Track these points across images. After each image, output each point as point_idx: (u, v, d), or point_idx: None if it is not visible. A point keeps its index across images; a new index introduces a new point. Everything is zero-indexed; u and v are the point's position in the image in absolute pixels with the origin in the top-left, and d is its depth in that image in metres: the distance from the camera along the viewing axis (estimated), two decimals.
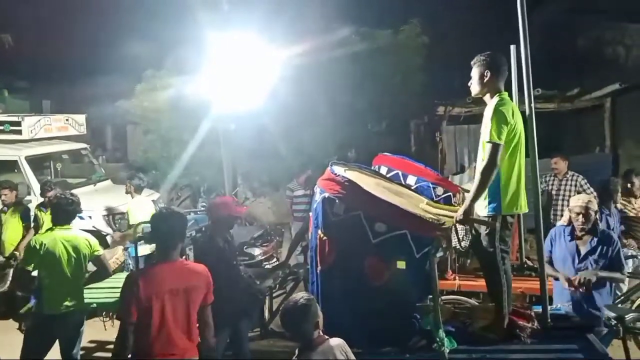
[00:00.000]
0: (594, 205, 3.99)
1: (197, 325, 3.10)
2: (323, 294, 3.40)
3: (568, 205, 4.32)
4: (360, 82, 8.97)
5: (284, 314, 2.75)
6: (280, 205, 10.62)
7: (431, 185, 4.14)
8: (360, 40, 9.15)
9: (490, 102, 3.36)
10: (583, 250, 3.94)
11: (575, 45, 9.98)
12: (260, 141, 9.22)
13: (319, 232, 3.41)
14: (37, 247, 3.98)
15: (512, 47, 3.79)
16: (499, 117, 3.22)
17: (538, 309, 3.60)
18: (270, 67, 6.74)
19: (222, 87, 6.44)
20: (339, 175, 3.37)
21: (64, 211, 4.16)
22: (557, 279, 4.00)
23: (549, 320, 3.49)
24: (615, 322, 3.54)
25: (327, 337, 2.76)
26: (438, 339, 3.14)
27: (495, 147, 3.19)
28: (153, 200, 7.97)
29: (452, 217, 3.31)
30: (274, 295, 4.91)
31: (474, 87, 3.44)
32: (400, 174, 4.25)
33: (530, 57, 3.46)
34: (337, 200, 3.27)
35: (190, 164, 9.15)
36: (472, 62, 3.45)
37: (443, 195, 4.10)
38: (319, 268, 3.44)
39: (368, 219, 3.17)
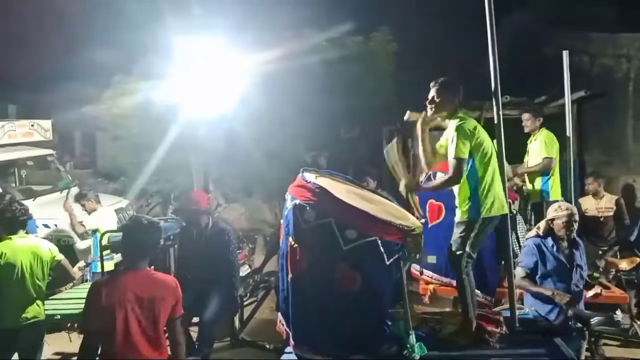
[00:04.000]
0: (576, 213, 4.01)
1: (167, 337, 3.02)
2: (294, 302, 3.37)
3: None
4: (332, 88, 8.99)
5: None
6: (253, 212, 10.53)
7: None
8: (331, 46, 9.18)
9: (450, 124, 3.54)
10: (573, 261, 3.94)
11: (542, 54, 10.23)
12: (232, 147, 9.13)
13: (290, 239, 3.37)
14: None
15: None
16: (460, 134, 3.42)
17: (507, 314, 3.64)
18: (240, 73, 6.69)
19: (192, 92, 6.35)
20: (310, 181, 3.35)
21: (10, 220, 4.00)
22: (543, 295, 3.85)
23: (517, 325, 3.54)
24: (581, 326, 3.60)
25: None
26: (408, 345, 3.14)
27: (459, 162, 3.40)
28: (122, 208, 7.82)
29: (420, 224, 3.34)
30: (245, 303, 4.86)
31: (429, 109, 3.64)
32: None
33: (499, 65, 3.54)
34: (308, 207, 3.25)
35: (160, 170, 8.99)
36: (430, 85, 3.61)
37: None
38: (289, 275, 3.40)
39: (339, 225, 3.15)
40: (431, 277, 4.62)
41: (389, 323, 3.39)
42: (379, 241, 3.14)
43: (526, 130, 5.77)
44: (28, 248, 3.94)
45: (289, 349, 3.39)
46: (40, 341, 4.06)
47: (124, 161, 9.81)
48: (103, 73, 9.91)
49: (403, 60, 9.74)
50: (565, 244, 3.97)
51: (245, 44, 7.43)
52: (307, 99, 8.82)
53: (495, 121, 3.59)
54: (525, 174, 5.66)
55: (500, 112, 3.60)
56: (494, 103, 3.60)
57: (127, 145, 9.68)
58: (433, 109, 3.60)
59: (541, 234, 4.02)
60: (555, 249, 3.93)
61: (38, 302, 3.99)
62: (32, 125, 8.56)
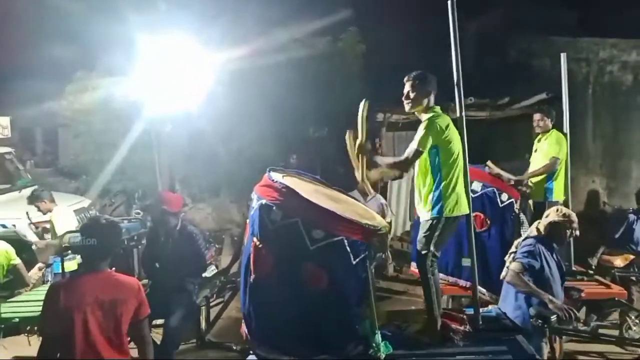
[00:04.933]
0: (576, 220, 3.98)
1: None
2: (257, 302, 3.34)
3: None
4: (300, 87, 8.98)
5: None
6: (221, 211, 10.43)
7: (496, 192, 4.19)
8: (300, 46, 9.17)
9: (423, 118, 3.56)
10: (562, 265, 3.97)
11: (505, 56, 10.47)
12: (198, 145, 9.01)
13: (255, 239, 3.34)
14: None
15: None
16: (428, 128, 3.46)
17: (470, 311, 3.70)
18: (206, 70, 6.60)
19: (157, 89, 6.23)
20: (276, 181, 3.32)
21: None
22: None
23: (481, 322, 3.60)
24: (541, 322, 3.69)
25: None
26: (374, 344, 3.15)
27: (415, 153, 3.46)
28: (83, 207, 7.61)
29: (387, 224, 3.36)
30: (212, 304, 4.80)
31: (405, 104, 3.65)
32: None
33: (461, 67, 3.60)
34: (274, 207, 3.22)
35: (124, 168, 8.81)
36: (404, 80, 3.60)
37: (507, 202, 4.15)
38: (252, 276, 3.37)
39: (305, 225, 3.14)
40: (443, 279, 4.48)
41: (356, 323, 3.39)
42: (346, 241, 3.14)
43: (537, 130, 5.75)
44: None
45: (251, 357, 3.36)
46: None
47: (86, 159, 9.57)
48: (64, 69, 9.63)
49: (371, 61, 9.81)
50: (557, 248, 3.98)
51: (212, 41, 7.34)
52: (275, 98, 8.79)
53: (459, 122, 3.64)
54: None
55: (464, 113, 3.66)
56: (456, 104, 3.65)
57: (90, 143, 9.45)
58: (409, 104, 3.61)
59: (542, 236, 3.94)
60: (550, 252, 3.92)
61: None
62: None
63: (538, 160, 5.62)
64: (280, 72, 8.74)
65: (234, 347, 4.73)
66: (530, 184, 5.51)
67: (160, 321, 4.29)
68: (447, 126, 3.48)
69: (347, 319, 3.32)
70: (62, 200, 6.68)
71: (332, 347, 3.31)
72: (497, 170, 5.07)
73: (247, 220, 3.58)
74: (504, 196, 4.34)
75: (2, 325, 4.18)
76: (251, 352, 3.40)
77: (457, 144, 3.54)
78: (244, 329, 3.45)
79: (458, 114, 3.65)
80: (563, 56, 5.38)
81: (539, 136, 5.78)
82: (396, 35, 10.74)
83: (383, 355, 3.13)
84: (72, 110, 9.30)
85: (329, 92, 9.30)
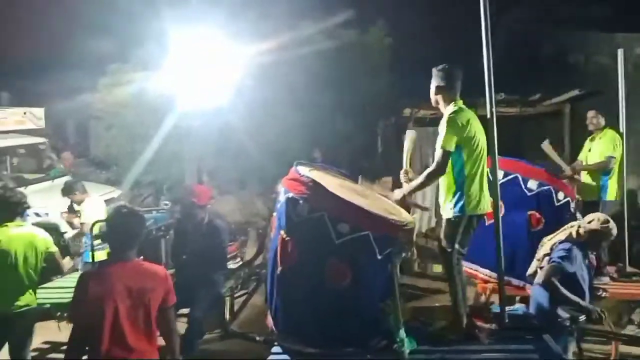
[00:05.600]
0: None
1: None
2: (282, 294, 3.37)
3: None
4: (327, 81, 8.98)
5: None
6: (247, 204, 10.51)
7: (553, 190, 4.15)
8: (326, 38, 9.16)
9: (446, 111, 3.50)
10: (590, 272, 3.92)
11: (538, 52, 10.25)
12: (226, 139, 9.10)
13: (282, 232, 3.37)
14: None
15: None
16: (450, 126, 3.39)
17: (497, 309, 3.66)
18: (235, 64, 6.67)
19: (187, 83, 6.33)
20: (303, 175, 3.34)
21: (6, 208, 3.99)
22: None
23: (507, 320, 3.56)
24: (569, 323, 3.63)
25: None
26: (398, 340, 3.15)
27: (444, 153, 3.38)
28: (113, 198, 7.79)
29: (413, 220, 3.35)
30: (236, 296, 4.87)
31: (432, 98, 3.62)
32: (519, 177, 4.32)
33: (492, 62, 3.53)
34: (300, 201, 3.24)
35: (154, 160, 8.96)
36: (433, 72, 3.58)
37: (563, 201, 4.11)
38: (279, 268, 3.40)
39: (331, 219, 3.15)
40: (489, 276, 4.45)
41: (380, 317, 3.40)
42: (371, 236, 3.14)
43: (590, 128, 5.63)
44: (23, 237, 3.93)
45: (275, 348, 3.39)
46: (31, 329, 4.06)
47: (117, 150, 9.77)
48: (99, 61, 9.84)
49: (398, 54, 9.74)
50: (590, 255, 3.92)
51: (241, 35, 7.40)
52: (302, 92, 8.81)
53: (489, 118, 3.58)
54: (584, 172, 5.53)
55: (494, 109, 3.60)
56: (487, 100, 3.59)
57: (121, 135, 9.64)
58: (438, 97, 3.57)
59: (581, 240, 3.85)
60: (584, 256, 3.87)
61: (30, 290, 3.98)
62: (25, 113, 8.51)
63: (593, 159, 5.49)
64: (307, 65, 8.76)
65: (258, 338, 4.78)
66: (586, 183, 5.39)
67: (185, 310, 4.37)
68: (468, 122, 3.42)
69: (371, 313, 3.34)
70: (93, 191, 6.84)
71: (356, 341, 3.33)
72: (553, 153, 4.93)
73: (274, 214, 3.62)
74: (560, 195, 4.25)
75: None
76: (275, 343, 3.44)
77: (480, 140, 3.47)
78: (269, 320, 3.49)
79: (488, 110, 3.58)
80: (620, 52, 5.20)
81: (593, 135, 5.64)
82: (424, 28, 10.64)
83: (407, 351, 3.13)
84: (105, 102, 9.50)
85: (356, 85, 9.28)
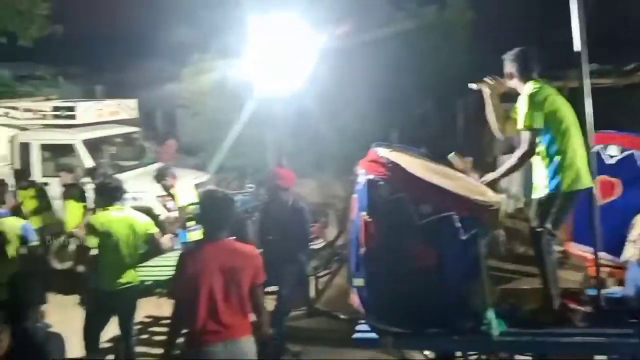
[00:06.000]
0: None
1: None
2: (367, 275, 3.42)
3: None
4: (404, 61, 8.82)
5: None
6: (325, 186, 10.66)
7: (636, 155, 4.02)
8: (404, 18, 8.97)
9: (523, 91, 3.37)
10: None
11: (632, 19, 9.44)
12: (304, 123, 9.24)
13: (363, 213, 3.41)
14: (96, 226, 4.19)
15: None
16: (530, 103, 3.27)
17: (593, 292, 3.50)
18: (312, 48, 6.71)
19: (266, 69, 6.46)
20: (382, 156, 3.35)
21: (107, 193, 4.35)
22: None
23: (603, 303, 3.39)
24: None
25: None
26: (486, 321, 3.11)
27: (531, 133, 3.26)
28: (202, 182, 8.20)
29: (499, 200, 3.26)
30: (320, 275, 4.99)
31: (508, 84, 3.50)
32: (635, 154, 4.14)
33: (585, 31, 3.33)
34: (381, 182, 3.26)
35: (236, 145, 9.31)
36: (504, 57, 3.47)
37: None
38: (362, 249, 3.45)
39: (413, 200, 3.14)
40: (605, 260, 4.08)
41: (466, 299, 3.36)
42: (455, 216, 3.10)
43: None
44: (125, 220, 4.27)
45: (361, 327, 3.45)
46: (135, 304, 4.42)
47: (203, 137, 10.25)
48: (182, 51, 10.32)
49: (480, 29, 9.35)
50: None
51: (318, 19, 7.42)
52: (378, 73, 8.74)
53: (584, 90, 3.39)
54: None
55: (588, 81, 3.40)
56: (582, 70, 3.39)
57: (206, 122, 10.11)
58: (512, 82, 3.47)
59: None
60: None
61: (132, 269, 4.33)
62: (119, 104, 9.09)
63: None
64: (384, 46, 8.65)
65: (342, 316, 4.89)
66: None
67: (272, 288, 4.55)
68: (547, 97, 3.29)
69: (457, 294, 3.30)
70: (183, 176, 7.25)
71: (442, 322, 3.31)
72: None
73: (353, 195, 3.67)
74: None
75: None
76: (360, 321, 3.51)
77: (565, 114, 3.31)
78: (354, 299, 3.56)
79: (584, 82, 3.39)
80: None
81: None
82: (506, 1, 10.11)
83: (497, 332, 3.07)
84: (189, 91, 9.98)
85: (434, 64, 9.06)
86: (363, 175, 3.41)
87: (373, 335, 3.37)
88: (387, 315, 3.36)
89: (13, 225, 4.09)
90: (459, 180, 3.58)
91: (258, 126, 8.50)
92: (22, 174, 7.36)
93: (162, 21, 12.28)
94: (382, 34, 8.50)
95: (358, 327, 3.46)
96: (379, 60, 8.68)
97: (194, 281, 3.00)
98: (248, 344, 3.10)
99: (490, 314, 3.10)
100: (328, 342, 4.84)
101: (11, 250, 4.02)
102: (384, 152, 3.44)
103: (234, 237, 3.30)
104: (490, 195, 3.36)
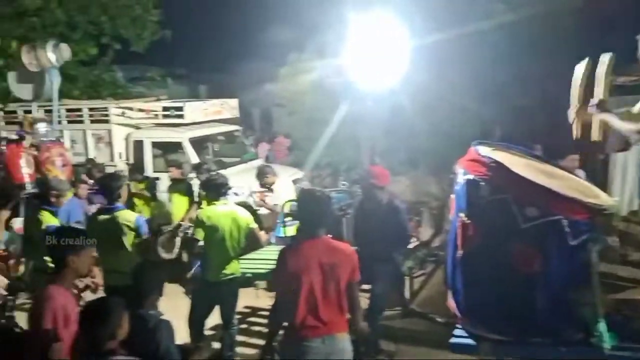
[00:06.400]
0: None
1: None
2: (464, 279, 3.32)
3: None
4: (505, 53, 8.43)
5: (84, 310, 2.63)
6: (419, 184, 10.48)
7: None
8: (506, 8, 8.56)
9: None
10: None
11: None
12: (397, 120, 9.15)
13: (462, 215, 3.32)
14: (203, 220, 4.45)
15: None
16: None
17: None
18: (409, 44, 6.60)
19: (362, 67, 6.47)
20: (484, 156, 3.22)
21: (214, 189, 4.58)
22: None
23: None
24: None
25: (122, 354, 2.53)
26: (597, 333, 2.90)
27: None
28: (298, 179, 8.43)
29: (613, 202, 3.02)
30: (415, 275, 4.93)
31: None
32: None
33: None
34: (482, 183, 3.14)
35: (330, 143, 9.44)
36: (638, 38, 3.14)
37: None
38: (459, 252, 3.36)
39: (517, 202, 3.00)
40: None
41: (574, 308, 3.16)
42: (564, 220, 2.92)
43: None
44: (228, 214, 4.50)
45: (458, 331, 3.37)
46: (236, 295, 4.63)
47: (298, 135, 10.51)
48: (280, 52, 10.65)
49: (589, 15, 8.69)
50: None
51: (415, 12, 7.30)
52: (477, 67, 8.43)
53: None
54: None
55: None
56: None
57: (302, 120, 10.35)
58: None
59: None
60: None
61: (235, 261, 4.55)
62: (222, 104, 9.60)
63: None
64: (483, 38, 8.33)
65: (438, 319, 4.80)
66: None
67: (366, 287, 4.56)
68: None
69: (563, 303, 3.11)
70: (281, 172, 7.50)
71: (547, 331, 3.15)
72: None
73: (452, 195, 3.57)
74: None
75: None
76: (458, 325, 3.42)
77: None
78: (450, 302, 3.48)
79: None
80: None
81: None
82: None
83: (608, 346, 2.86)
84: (287, 90, 10.27)
85: (537, 56, 8.55)
86: (462, 174, 3.31)
87: (470, 341, 3.27)
88: (485, 321, 3.24)
89: (129, 218, 4.41)
90: (568, 180, 3.36)
91: (352, 124, 8.55)
92: (136, 169, 8.02)
93: (261, 22, 12.74)
94: (482, 26, 8.17)
95: (455, 332, 3.38)
96: (478, 53, 8.38)
97: (294, 277, 3.09)
98: (345, 341, 3.15)
99: (602, 326, 2.88)
100: (423, 344, 4.78)
101: (127, 241, 4.32)
102: (485, 151, 3.32)
103: (330, 235, 3.36)
104: (604, 198, 3.12)
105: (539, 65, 8.60)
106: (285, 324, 3.20)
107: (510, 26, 8.46)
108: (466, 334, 3.31)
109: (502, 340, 3.17)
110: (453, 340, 3.32)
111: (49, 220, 4.58)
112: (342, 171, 9.14)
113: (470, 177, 3.21)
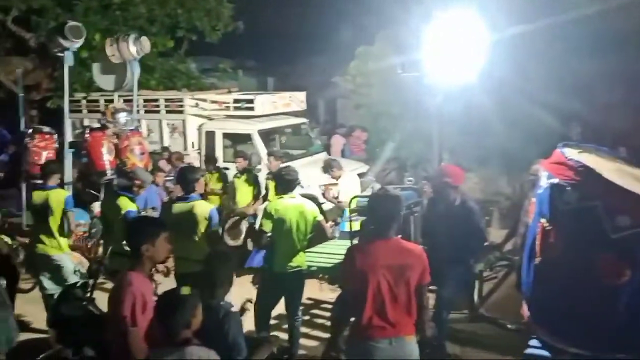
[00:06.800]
0: None
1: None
2: (541, 286, 3.17)
3: None
4: (588, 47, 7.94)
5: (161, 299, 2.69)
6: (488, 182, 10.14)
7: None
8: (589, 2, 8.04)
9: None
10: None
11: None
12: (470, 116, 8.85)
13: (543, 220, 3.15)
14: (272, 212, 4.50)
15: None
16: None
17: None
18: (486, 39, 6.33)
19: (438, 61, 6.28)
20: (571, 159, 3.04)
21: (285, 182, 4.63)
22: None
23: None
24: None
25: (196, 343, 2.60)
26: None
27: None
28: (363, 172, 8.37)
29: None
30: (485, 279, 4.77)
31: None
32: None
33: None
34: (568, 188, 2.97)
35: (398, 137, 9.29)
36: None
37: None
38: (537, 258, 3.20)
39: (608, 211, 2.81)
40: None
41: None
42: None
43: None
44: (296, 207, 4.54)
45: (533, 341, 3.22)
46: (302, 287, 4.67)
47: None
48: (349, 44, 10.57)
49: None
50: None
51: (495, 5, 6.99)
52: (559, 62, 8.00)
53: None
54: None
55: None
56: None
57: (368, 114, 10.25)
58: None
59: None
60: None
61: (301, 253, 4.58)
62: (290, 97, 9.68)
63: None
64: (566, 31, 7.87)
65: (509, 326, 4.63)
66: None
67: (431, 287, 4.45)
68: None
69: None
70: (347, 166, 7.47)
71: (630, 347, 2.96)
72: None
73: (529, 197, 3.41)
74: None
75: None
76: (533, 335, 3.27)
77: None
78: (524, 310, 3.33)
79: None
80: None
81: None
82: None
83: None
84: (354, 83, 10.19)
85: (624, 51, 7.98)
86: (546, 178, 3.15)
87: (546, 353, 3.13)
88: (563, 333, 3.09)
89: (204, 208, 4.52)
90: None
91: (421, 119, 8.36)
92: (209, 160, 8.24)
93: (331, 16, 12.71)
94: (565, 18, 7.73)
95: (531, 342, 3.23)
96: (560, 47, 7.95)
97: (361, 276, 3.07)
98: (412, 344, 3.11)
99: None
100: (489, 349, 4.63)
101: (199, 231, 4.44)
102: (572, 154, 3.13)
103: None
104: None
105: (625, 60, 8.05)
106: (352, 321, 3.18)
107: (595, 18, 7.95)
108: (541, 345, 3.17)
109: (580, 354, 3.00)
110: (528, 350, 3.20)
111: (127, 205, 4.78)
112: (408, 166, 8.97)
113: (555, 181, 3.05)
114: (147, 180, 5.04)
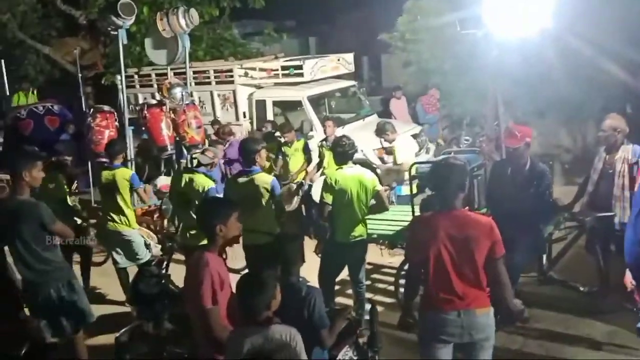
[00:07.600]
0: None
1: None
2: None
3: None
4: None
5: (241, 281, 2.71)
6: (546, 135, 9.74)
7: None
8: None
9: None
10: None
11: None
12: (527, 67, 8.41)
13: None
14: (332, 183, 4.50)
15: None
16: None
17: None
18: None
19: (494, 16, 5.94)
20: None
21: (341, 153, 4.59)
22: None
23: None
24: None
25: (278, 321, 2.65)
26: None
27: None
28: (416, 133, 8.21)
29: None
30: (554, 240, 4.63)
31: None
32: None
33: None
34: None
35: (450, 95, 9.01)
36: None
37: None
38: None
39: None
40: None
41: None
42: None
43: None
44: (355, 177, 4.51)
45: None
46: (364, 256, 4.70)
47: (414, 87, 10.14)
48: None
49: None
50: None
51: None
52: (631, 5, 7.41)
53: None
54: None
55: None
56: None
57: (418, 71, 9.93)
58: None
59: None
60: None
61: (363, 223, 4.59)
62: (339, 60, 9.49)
63: None
64: None
65: (582, 288, 4.50)
66: None
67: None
68: None
69: None
70: (399, 127, 7.32)
71: None
72: None
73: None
74: None
75: None
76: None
77: None
78: (628, 280, 3.21)
79: None
80: None
81: None
82: None
83: None
84: (403, 40, 9.86)
85: None
86: None
87: None
88: None
89: (265, 180, 4.57)
90: None
91: (475, 73, 8.03)
92: (268, 134, 8.18)
93: None
94: None
95: None
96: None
97: (423, 247, 3.01)
98: (484, 316, 3.01)
99: None
100: (558, 310, 4.54)
101: (263, 202, 4.51)
102: None
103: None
104: None
105: None
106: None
107: None
108: None
109: None
110: None
111: (207, 183, 4.83)
112: (464, 125, 8.71)
113: None
114: (218, 156, 5.13)
